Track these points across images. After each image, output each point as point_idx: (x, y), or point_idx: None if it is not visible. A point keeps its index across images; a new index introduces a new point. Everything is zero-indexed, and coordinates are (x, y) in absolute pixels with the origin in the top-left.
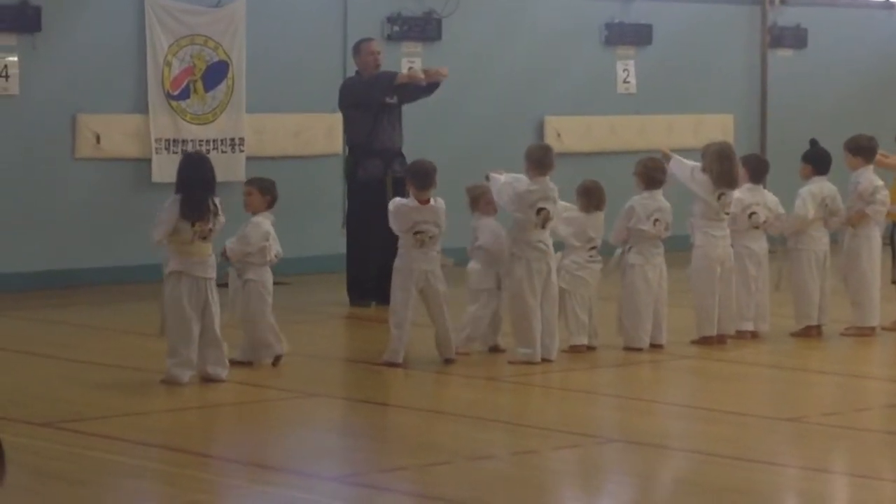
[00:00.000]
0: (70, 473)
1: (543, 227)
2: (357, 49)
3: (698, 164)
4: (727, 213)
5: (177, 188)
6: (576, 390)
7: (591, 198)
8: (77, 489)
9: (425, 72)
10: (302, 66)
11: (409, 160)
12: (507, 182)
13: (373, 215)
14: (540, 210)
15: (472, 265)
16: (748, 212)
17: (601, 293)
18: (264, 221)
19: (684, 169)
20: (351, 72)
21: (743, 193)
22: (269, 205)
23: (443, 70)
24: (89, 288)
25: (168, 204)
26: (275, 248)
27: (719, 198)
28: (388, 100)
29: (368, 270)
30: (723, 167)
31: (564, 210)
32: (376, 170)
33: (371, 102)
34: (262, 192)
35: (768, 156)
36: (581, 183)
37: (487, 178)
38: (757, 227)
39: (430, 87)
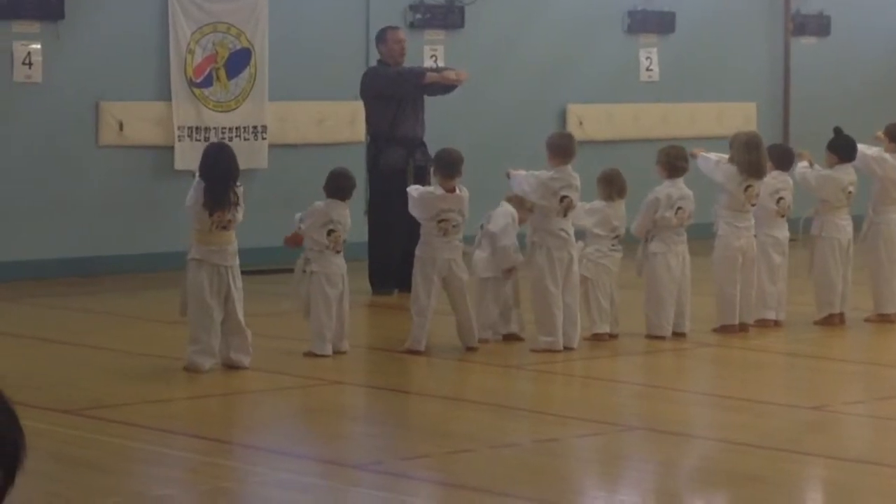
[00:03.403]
0: (91, 460)
1: (565, 215)
2: (382, 37)
3: (724, 157)
4: (753, 205)
5: (199, 174)
6: (598, 378)
7: (612, 186)
8: (98, 476)
9: (448, 74)
10: (324, 53)
11: (431, 149)
12: (530, 172)
13: (395, 204)
14: (563, 198)
15: (478, 253)
16: (776, 196)
17: (622, 281)
18: (324, 209)
19: (709, 162)
20: (374, 59)
21: (771, 179)
22: (330, 193)
23: (462, 75)
24: (112, 275)
25: (195, 183)
26: (342, 237)
27: (746, 189)
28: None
29: (391, 258)
30: (750, 157)
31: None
32: (398, 159)
33: (396, 97)
34: (326, 181)
35: (791, 144)
36: (601, 172)
37: (508, 175)
38: (783, 215)
39: (450, 87)
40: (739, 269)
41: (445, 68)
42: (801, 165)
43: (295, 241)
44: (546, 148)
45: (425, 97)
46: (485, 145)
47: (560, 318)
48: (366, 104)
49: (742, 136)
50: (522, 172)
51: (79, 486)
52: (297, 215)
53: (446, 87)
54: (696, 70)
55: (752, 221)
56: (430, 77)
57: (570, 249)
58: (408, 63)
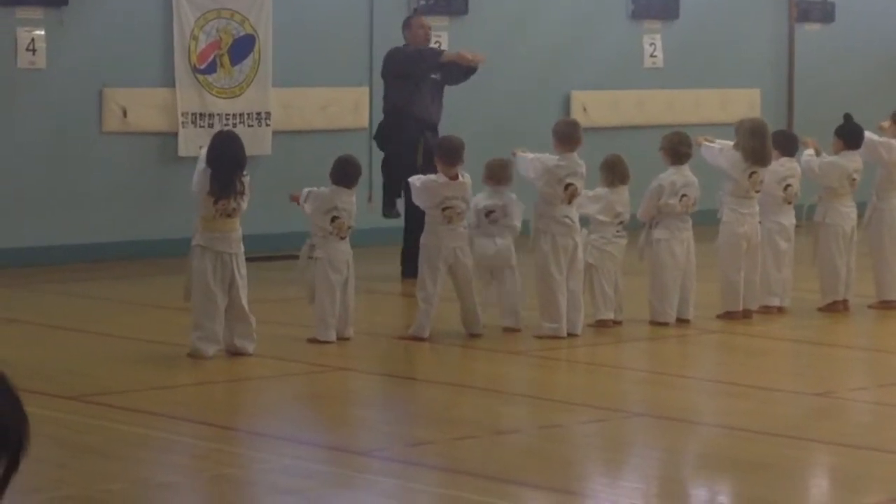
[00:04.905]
0: (96, 446)
1: (570, 202)
2: (407, 23)
3: (727, 143)
4: (757, 192)
5: (206, 162)
6: (602, 365)
7: (614, 172)
8: (103, 462)
9: (465, 54)
10: (329, 40)
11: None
12: (536, 157)
13: (401, 139)
14: (568, 185)
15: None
16: (784, 184)
17: (626, 268)
18: (329, 195)
19: (713, 150)
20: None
21: (778, 166)
22: (336, 179)
23: (479, 56)
24: (116, 262)
25: (201, 169)
26: (346, 223)
27: (750, 176)
28: (432, 76)
29: (398, 185)
30: (755, 143)
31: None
32: (408, 133)
33: (414, 75)
34: (332, 167)
35: (795, 130)
36: (603, 159)
37: (514, 154)
38: (790, 202)
39: (469, 71)
40: (743, 255)
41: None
42: (807, 153)
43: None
44: (552, 135)
45: (445, 87)
46: (489, 132)
47: (564, 305)
48: (385, 83)
49: (748, 123)
50: (528, 155)
51: (84, 472)
52: (306, 189)
53: (466, 72)
54: (700, 56)
55: (757, 208)
56: (447, 56)
57: (575, 236)
58: None
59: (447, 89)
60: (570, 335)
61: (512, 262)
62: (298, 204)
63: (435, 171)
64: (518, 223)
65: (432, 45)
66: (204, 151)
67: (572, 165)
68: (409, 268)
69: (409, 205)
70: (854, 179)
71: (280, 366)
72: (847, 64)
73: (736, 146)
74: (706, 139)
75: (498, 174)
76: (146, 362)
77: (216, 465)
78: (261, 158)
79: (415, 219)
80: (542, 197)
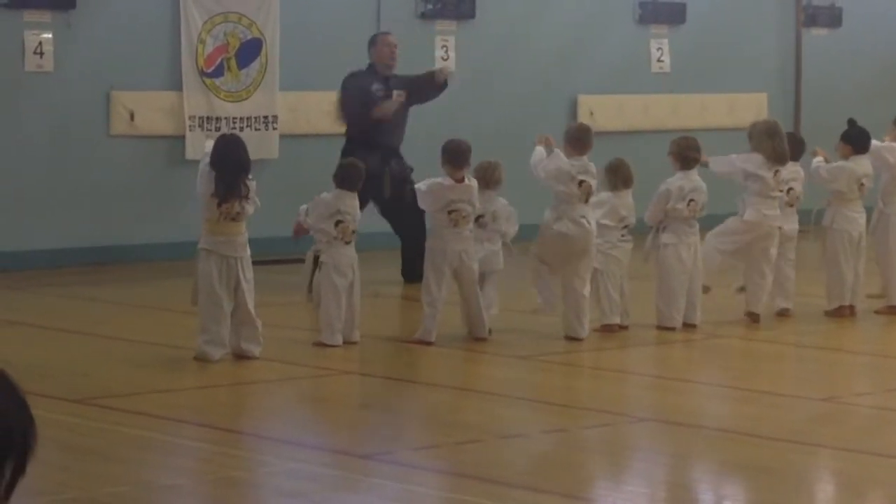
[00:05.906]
0: (102, 449)
1: (586, 200)
2: (373, 41)
3: (739, 154)
4: (781, 191)
5: (210, 164)
6: (607, 369)
7: (617, 176)
8: (108, 465)
9: (434, 73)
10: (335, 43)
11: (442, 140)
12: (551, 157)
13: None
14: (581, 182)
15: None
16: (787, 187)
17: (632, 272)
18: (332, 200)
19: (723, 161)
20: None
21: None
22: (339, 183)
23: (444, 70)
24: (123, 264)
25: (206, 169)
26: (350, 227)
27: (774, 174)
28: (396, 94)
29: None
30: (774, 143)
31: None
32: (374, 165)
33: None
34: (335, 171)
35: (803, 135)
36: (607, 163)
37: (538, 140)
38: (792, 205)
39: (440, 87)
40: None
41: (427, 73)
42: (816, 160)
43: (299, 233)
44: (563, 139)
45: (449, 90)
46: (495, 135)
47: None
48: (342, 107)
49: (761, 125)
50: (543, 151)
51: (88, 474)
52: (302, 207)
53: (438, 88)
54: (706, 61)
55: (778, 211)
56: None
57: (589, 239)
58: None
59: (455, 94)
60: (576, 339)
61: (498, 267)
62: (303, 230)
63: (401, 196)
64: (510, 229)
65: (439, 48)
66: (208, 149)
67: (584, 165)
68: (409, 272)
69: (409, 211)
70: (863, 184)
71: (285, 369)
72: (854, 68)
73: (754, 150)
74: (709, 158)
75: (487, 177)
76: (151, 365)
77: (220, 468)
78: (267, 162)
79: (411, 225)
80: (558, 197)
